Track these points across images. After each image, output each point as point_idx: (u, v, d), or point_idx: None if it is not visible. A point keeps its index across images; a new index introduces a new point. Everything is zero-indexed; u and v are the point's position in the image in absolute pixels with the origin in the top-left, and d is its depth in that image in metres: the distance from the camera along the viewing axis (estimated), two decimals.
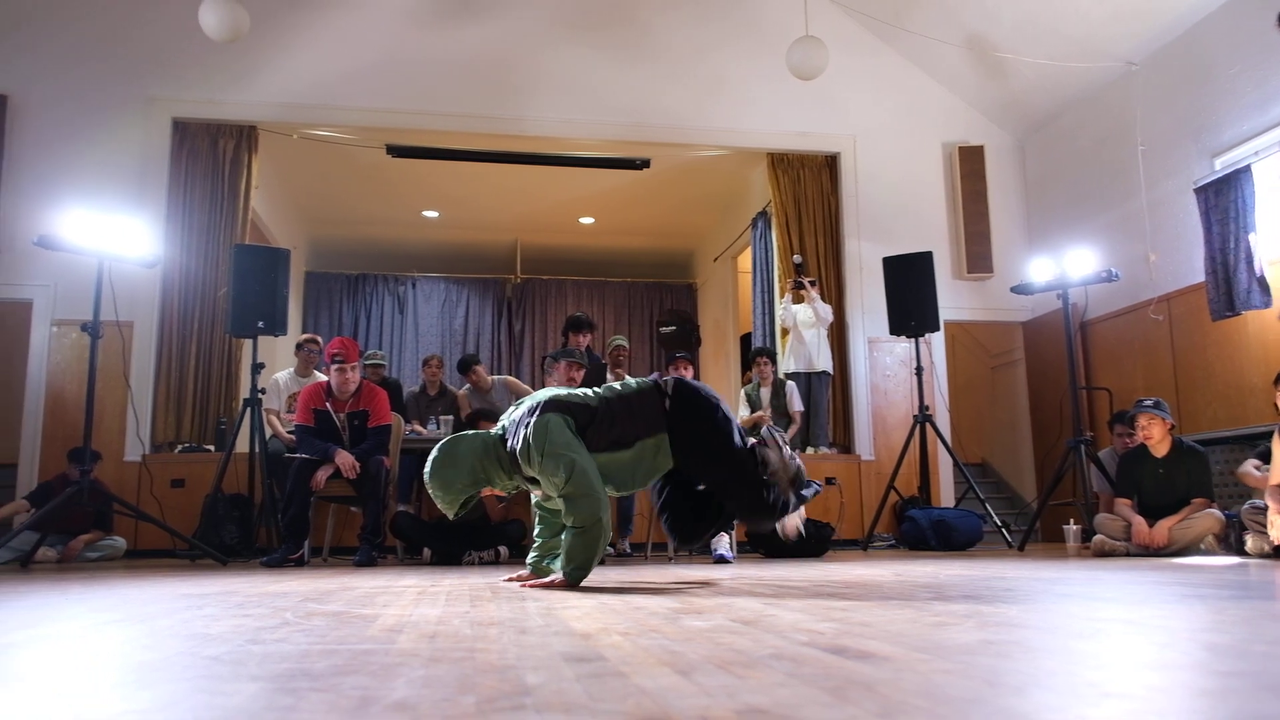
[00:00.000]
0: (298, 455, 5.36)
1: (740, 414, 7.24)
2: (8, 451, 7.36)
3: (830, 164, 8.52)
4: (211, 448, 7.02)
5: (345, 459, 5.21)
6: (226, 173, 7.61)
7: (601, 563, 5.12)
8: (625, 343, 7.61)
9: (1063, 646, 1.39)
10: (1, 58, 7.26)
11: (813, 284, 7.61)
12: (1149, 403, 5.34)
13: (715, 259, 11.40)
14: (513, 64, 7.98)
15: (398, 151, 8.40)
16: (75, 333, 6.85)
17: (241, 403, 6.47)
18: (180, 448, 7.07)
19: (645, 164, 8.87)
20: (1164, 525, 5.05)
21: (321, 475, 5.18)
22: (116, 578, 4.03)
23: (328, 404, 5.44)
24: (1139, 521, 5.13)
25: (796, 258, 7.77)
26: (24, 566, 5.34)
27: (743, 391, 7.35)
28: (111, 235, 5.37)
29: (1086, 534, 5.68)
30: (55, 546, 5.92)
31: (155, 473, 6.61)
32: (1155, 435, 5.27)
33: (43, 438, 6.95)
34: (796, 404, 7.04)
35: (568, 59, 8.08)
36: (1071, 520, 6.29)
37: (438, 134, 8.11)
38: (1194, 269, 6.72)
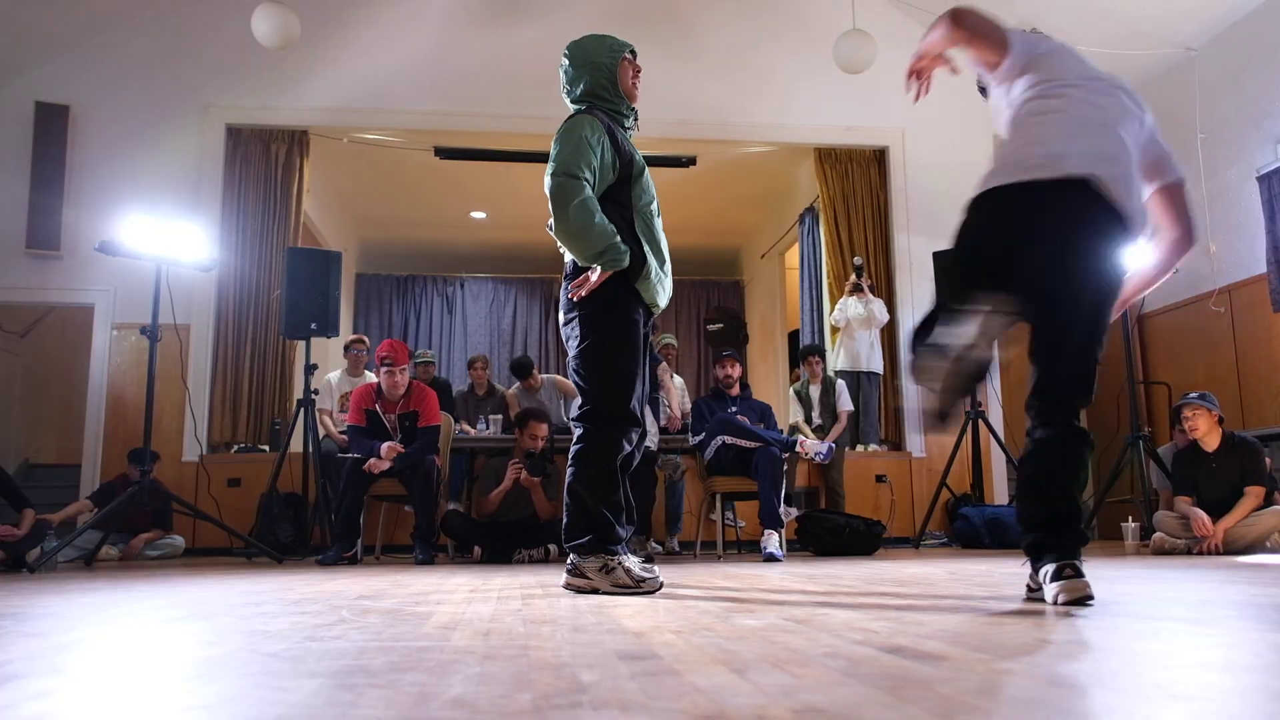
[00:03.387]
0: (349, 455, 5.44)
1: (790, 413, 7.20)
2: (71, 452, 7.57)
3: (879, 158, 8.43)
4: (266, 448, 7.14)
5: (387, 448, 5.30)
6: (279, 177, 7.74)
7: (650, 560, 5.12)
8: (674, 341, 7.61)
9: (1125, 647, 1.37)
10: (64, 72, 7.46)
11: (871, 288, 7.53)
12: (1194, 395, 5.27)
13: (762, 256, 11.34)
14: (559, 64, 8.00)
15: (446, 153, 8.48)
16: (135, 336, 7.01)
17: (295, 403, 6.58)
18: (236, 448, 7.21)
19: (691, 161, 8.86)
20: (1220, 529, 4.92)
21: (374, 464, 5.26)
22: (176, 575, 4.11)
23: (377, 405, 5.51)
24: (1197, 513, 5.01)
25: (857, 260, 7.67)
26: (88, 564, 5.49)
27: (792, 389, 7.30)
28: (169, 240, 5.50)
29: (1145, 532, 5.56)
30: (117, 545, 6.07)
31: (212, 472, 6.74)
32: (1201, 428, 5.17)
33: (104, 439, 7.13)
34: (845, 403, 6.98)
35: None
36: (1129, 518, 6.16)
37: (485, 135, 8.16)
38: (1256, 259, 6.54)
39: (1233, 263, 6.80)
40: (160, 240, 5.45)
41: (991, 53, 2.46)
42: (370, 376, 6.53)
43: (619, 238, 2.72)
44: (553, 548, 5.50)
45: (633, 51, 3.11)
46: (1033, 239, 2.20)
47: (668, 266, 2.94)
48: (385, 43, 7.88)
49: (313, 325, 6.14)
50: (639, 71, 3.09)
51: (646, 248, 2.82)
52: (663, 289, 2.89)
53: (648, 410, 5.98)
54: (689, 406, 6.70)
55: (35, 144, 7.26)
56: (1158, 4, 6.92)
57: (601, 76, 3.00)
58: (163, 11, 7.65)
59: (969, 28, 2.43)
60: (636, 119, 3.07)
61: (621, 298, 2.78)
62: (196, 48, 7.70)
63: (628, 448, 2.83)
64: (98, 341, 7.28)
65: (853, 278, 7.58)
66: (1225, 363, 6.86)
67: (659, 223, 2.94)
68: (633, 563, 2.75)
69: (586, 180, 2.72)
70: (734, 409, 5.77)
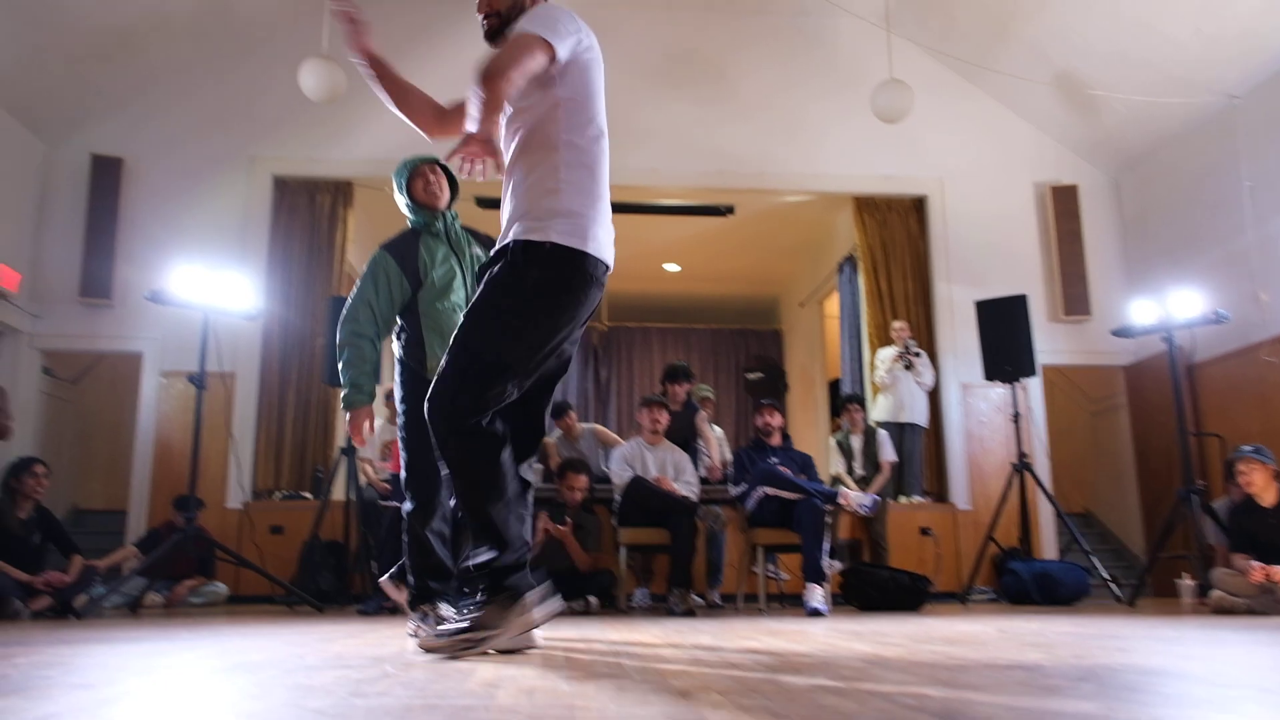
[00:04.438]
0: (391, 504, 5.46)
1: (832, 463, 7.12)
2: (119, 498, 7.67)
3: (918, 206, 8.42)
4: (309, 495, 7.19)
5: None
6: (324, 227, 7.88)
7: (692, 614, 5.06)
8: (711, 394, 7.62)
9: (1191, 717, 1.31)
10: (119, 126, 7.68)
11: (917, 355, 7.44)
12: (1249, 449, 5.16)
13: (801, 304, 11.32)
14: None
15: (487, 203, 8.59)
16: (182, 383, 7.12)
17: (337, 451, 6.62)
18: (279, 495, 7.26)
19: (729, 210, 8.90)
20: None
21: None
22: (220, 624, 4.13)
23: None
24: (1252, 564, 4.85)
25: (912, 343, 7.54)
26: (133, 611, 5.52)
27: (833, 439, 7.23)
28: (216, 289, 5.61)
29: (1201, 588, 5.40)
30: (161, 591, 6.11)
31: (255, 519, 6.79)
32: (1257, 482, 5.05)
33: (151, 485, 7.22)
34: (888, 454, 6.89)
35: (651, 110, 8.17)
36: (1185, 574, 5.98)
37: None
38: None
39: None
40: (208, 289, 5.56)
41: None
42: None
43: (363, 388, 3.32)
44: (594, 599, 5.47)
45: (429, 160, 3.53)
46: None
47: None
48: (431, 94, 8.02)
49: None
50: (433, 176, 3.48)
51: (428, 333, 3.30)
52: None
53: (688, 461, 5.97)
54: (729, 456, 6.65)
55: (90, 196, 7.47)
56: (1198, 52, 6.88)
57: (402, 200, 3.47)
58: (215, 67, 7.88)
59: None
60: (449, 219, 3.49)
61: (415, 387, 3.24)
62: (246, 102, 7.91)
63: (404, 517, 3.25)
64: (146, 388, 7.41)
65: (904, 356, 7.44)
66: (1279, 414, 6.70)
67: (458, 312, 3.32)
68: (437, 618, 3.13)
69: (363, 320, 3.31)
70: (775, 459, 5.72)
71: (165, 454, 7.26)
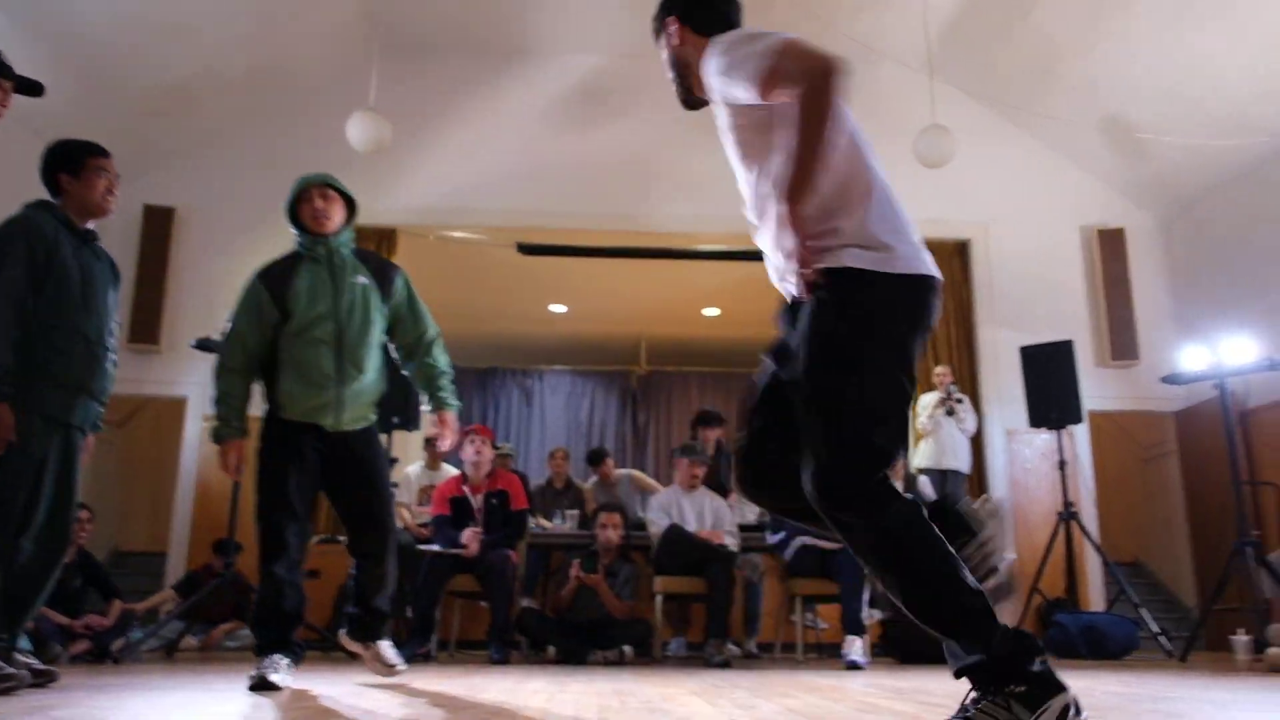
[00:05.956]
0: (430, 548, 5.45)
1: None
2: (159, 540, 7.75)
3: (961, 251, 8.33)
4: (345, 539, 7.18)
5: (469, 534, 5.31)
6: None
7: (728, 665, 4.97)
8: None
9: None
10: (171, 178, 7.87)
11: (959, 401, 7.33)
12: None
13: None
14: (641, 163, 8.16)
15: (528, 250, 8.65)
16: None
17: None
18: (316, 539, 7.27)
19: None
20: None
21: (469, 537, 5.30)
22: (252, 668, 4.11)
23: (465, 489, 5.54)
24: None
25: (954, 388, 7.43)
26: (169, 655, 5.55)
27: None
28: None
29: (1257, 644, 5.20)
30: (198, 635, 6.14)
31: None
32: None
33: (191, 528, 7.29)
34: (929, 499, 6.76)
35: (691, 157, 8.17)
36: (1241, 629, 5.77)
37: (568, 232, 8.32)
38: None
39: None
40: None
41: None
42: (449, 470, 6.57)
43: (230, 421, 3.36)
44: (628, 649, 5.40)
45: (319, 182, 3.45)
46: None
47: (330, 381, 3.33)
48: (473, 144, 8.17)
49: (394, 419, 6.22)
50: (322, 201, 3.45)
51: (283, 370, 3.30)
52: (313, 402, 3.33)
53: (726, 509, 5.89)
54: None
55: (141, 245, 7.65)
56: (1251, 95, 6.77)
57: (290, 216, 3.49)
58: (265, 121, 8.09)
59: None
60: (334, 244, 3.46)
61: (271, 430, 3.37)
62: (294, 154, 8.03)
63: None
64: (189, 433, 7.51)
65: (946, 402, 7.32)
66: None
67: (319, 347, 3.32)
68: None
69: (232, 352, 3.36)
70: None
71: (206, 497, 7.33)
